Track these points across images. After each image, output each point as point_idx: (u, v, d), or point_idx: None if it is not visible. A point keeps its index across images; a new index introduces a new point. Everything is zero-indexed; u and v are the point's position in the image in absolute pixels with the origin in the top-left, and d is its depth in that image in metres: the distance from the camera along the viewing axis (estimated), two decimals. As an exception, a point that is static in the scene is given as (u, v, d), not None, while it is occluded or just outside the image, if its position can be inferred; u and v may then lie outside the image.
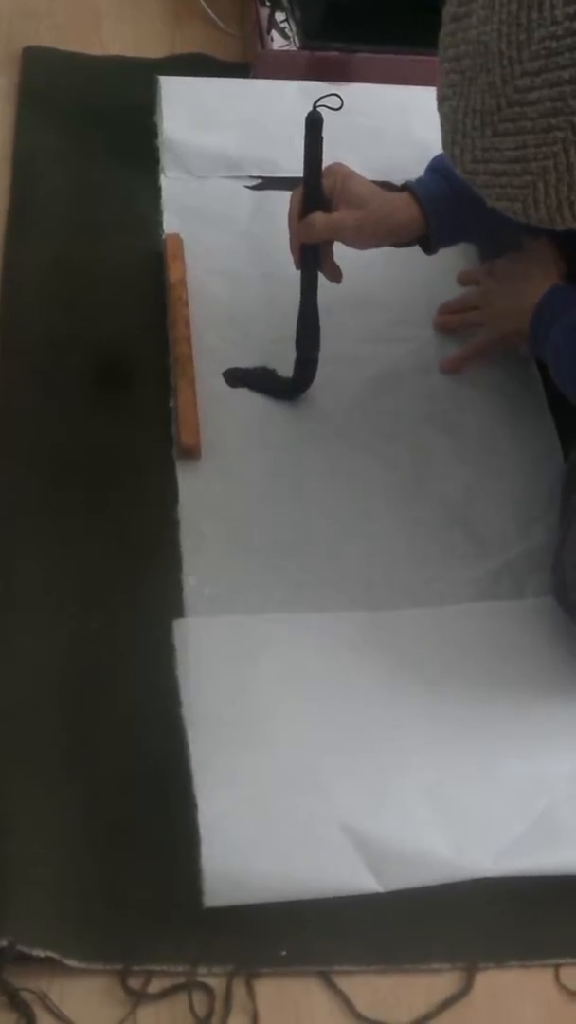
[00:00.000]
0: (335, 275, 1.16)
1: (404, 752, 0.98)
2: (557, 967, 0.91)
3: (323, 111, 1.08)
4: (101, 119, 1.42)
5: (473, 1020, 0.88)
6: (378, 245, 1.15)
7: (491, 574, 1.11)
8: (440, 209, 1.13)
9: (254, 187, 1.39)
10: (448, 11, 0.78)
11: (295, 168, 1.39)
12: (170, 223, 1.34)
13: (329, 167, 1.13)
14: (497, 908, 0.92)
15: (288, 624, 1.05)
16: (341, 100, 1.06)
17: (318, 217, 1.12)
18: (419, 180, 1.15)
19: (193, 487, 1.13)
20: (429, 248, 1.17)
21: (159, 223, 1.34)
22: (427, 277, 1.24)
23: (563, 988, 0.90)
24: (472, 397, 1.24)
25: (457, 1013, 0.88)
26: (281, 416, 1.19)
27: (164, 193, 1.37)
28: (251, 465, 1.16)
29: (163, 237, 1.32)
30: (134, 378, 1.20)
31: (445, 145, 0.80)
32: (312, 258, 1.15)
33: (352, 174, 1.14)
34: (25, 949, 0.85)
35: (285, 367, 1.21)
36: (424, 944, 0.91)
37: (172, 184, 1.38)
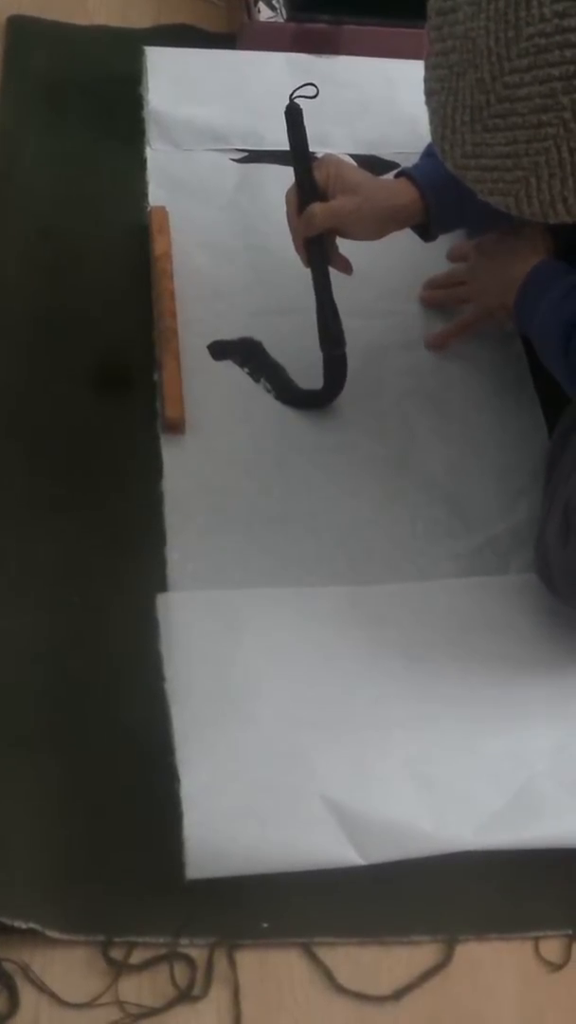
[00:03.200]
0: (345, 267, 1.16)
1: (386, 726, 0.98)
2: (537, 939, 0.92)
3: (300, 101, 1.07)
4: (86, 90, 1.41)
5: (453, 991, 0.89)
6: (379, 233, 1.14)
7: (475, 549, 1.11)
8: (440, 194, 1.12)
9: (240, 160, 1.39)
10: (433, 4, 0.77)
11: (281, 141, 1.38)
12: (155, 195, 1.33)
13: (320, 159, 1.13)
14: (477, 881, 0.93)
15: (271, 599, 1.05)
16: (317, 89, 1.06)
17: (317, 207, 1.11)
18: (416, 166, 1.14)
19: (177, 461, 1.13)
20: (428, 234, 1.17)
21: (144, 195, 1.33)
22: (412, 252, 1.24)
23: (542, 960, 0.91)
24: (457, 373, 1.24)
25: (437, 984, 0.89)
26: (266, 390, 1.19)
27: (149, 165, 1.36)
28: (236, 439, 1.15)
29: (148, 209, 1.31)
30: (118, 352, 1.20)
31: (435, 139, 0.79)
32: (319, 253, 1.14)
33: (344, 163, 1.14)
34: (7, 921, 0.85)
35: (270, 338, 1.21)
36: (405, 916, 0.91)
37: (157, 156, 1.37)
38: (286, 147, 1.37)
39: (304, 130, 1.10)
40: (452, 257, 1.29)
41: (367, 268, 1.18)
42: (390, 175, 1.18)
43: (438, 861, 0.92)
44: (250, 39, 1.48)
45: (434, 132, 0.79)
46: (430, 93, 0.78)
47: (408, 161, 1.30)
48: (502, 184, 0.76)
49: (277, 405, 1.18)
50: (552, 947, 0.92)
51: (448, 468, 1.17)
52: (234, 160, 1.38)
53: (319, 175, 1.12)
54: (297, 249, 1.15)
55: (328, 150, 1.38)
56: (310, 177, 1.12)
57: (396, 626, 1.05)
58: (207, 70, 1.45)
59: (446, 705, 1.00)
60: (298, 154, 1.12)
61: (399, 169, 1.15)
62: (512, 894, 0.93)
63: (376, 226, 1.14)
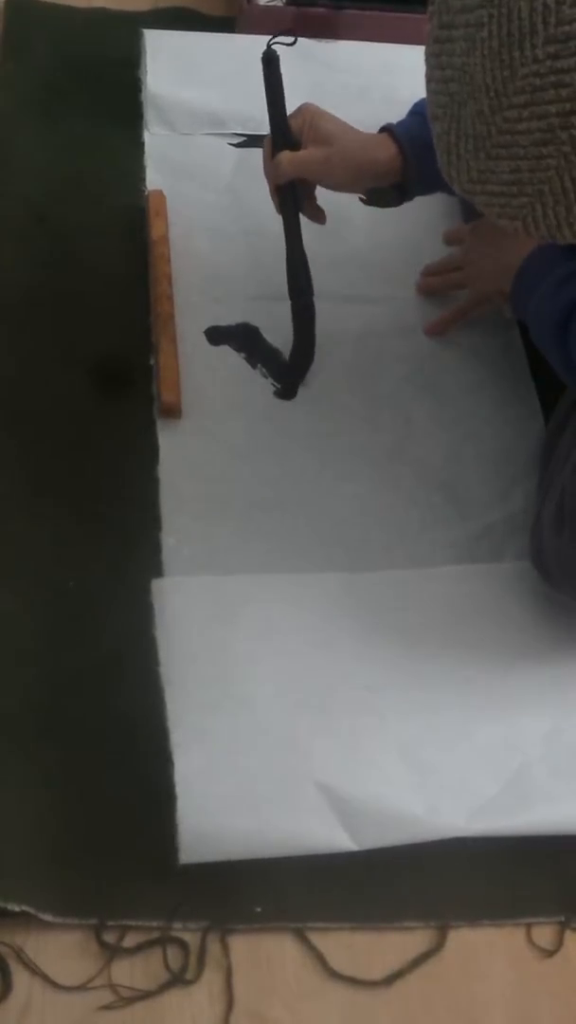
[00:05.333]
0: (317, 216, 1.15)
1: (380, 712, 0.98)
2: (529, 926, 0.92)
3: (278, 48, 1.07)
4: (84, 73, 1.41)
5: (445, 977, 0.89)
6: (353, 185, 1.13)
7: (470, 537, 1.11)
8: (419, 151, 1.09)
9: (238, 144, 1.38)
10: (431, 32, 0.76)
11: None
12: (153, 179, 1.33)
13: (298, 108, 1.12)
14: (470, 867, 0.93)
15: (266, 584, 1.05)
16: (295, 38, 1.05)
17: (284, 155, 1.11)
18: (400, 122, 1.13)
19: (173, 446, 1.12)
20: (406, 193, 1.14)
21: (142, 179, 1.33)
22: (409, 237, 1.24)
23: (534, 946, 0.91)
24: (454, 360, 1.24)
25: (429, 970, 0.89)
26: (263, 376, 1.19)
27: (147, 149, 1.36)
28: (232, 425, 1.15)
29: (146, 193, 1.31)
30: (115, 336, 1.19)
31: (441, 165, 0.80)
32: (291, 200, 1.13)
33: (321, 112, 1.13)
34: (1, 904, 0.86)
35: (268, 324, 1.21)
36: (398, 902, 0.91)
37: (155, 140, 1.37)
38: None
39: (280, 77, 1.10)
40: (448, 240, 1.28)
41: (364, 254, 1.18)
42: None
43: (431, 847, 0.92)
44: (249, 23, 1.47)
45: (440, 157, 0.79)
46: (433, 118, 0.78)
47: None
48: (510, 209, 0.76)
49: (274, 390, 1.18)
50: (544, 933, 0.92)
51: (444, 455, 1.17)
52: (232, 144, 1.38)
53: (294, 123, 1.12)
54: (272, 196, 1.15)
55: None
56: (284, 124, 1.11)
57: (391, 613, 1.05)
58: (206, 54, 1.44)
59: (440, 692, 1.00)
60: (273, 101, 1.11)
61: (383, 125, 1.14)
62: (505, 880, 0.94)
63: (347, 177, 1.12)
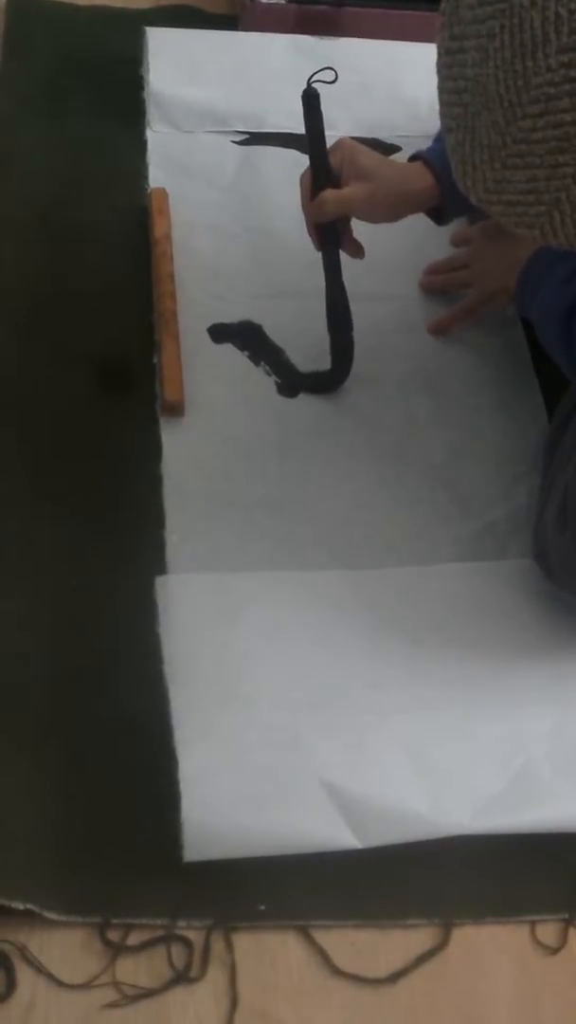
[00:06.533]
0: (357, 251, 1.15)
1: (384, 710, 0.98)
2: (533, 923, 0.92)
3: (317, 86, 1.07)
4: (86, 71, 1.41)
5: (449, 974, 0.89)
6: (393, 217, 1.14)
7: (474, 534, 1.11)
8: (455, 177, 1.11)
9: (241, 142, 1.38)
10: (442, 43, 0.77)
11: (282, 123, 1.38)
12: (155, 177, 1.33)
13: (336, 143, 1.12)
14: (474, 865, 0.93)
15: (270, 582, 1.05)
16: (336, 73, 1.05)
17: (328, 194, 1.11)
18: (431, 149, 1.14)
19: (177, 444, 1.12)
20: (442, 218, 1.16)
21: (144, 177, 1.33)
22: (414, 236, 1.24)
23: (539, 944, 0.91)
24: (457, 357, 1.24)
25: (433, 968, 0.89)
26: (266, 374, 1.19)
27: (150, 147, 1.36)
28: (235, 422, 1.15)
29: (148, 191, 1.31)
30: (118, 334, 1.19)
31: (456, 176, 0.80)
32: (331, 238, 1.13)
33: (359, 147, 1.13)
34: (4, 902, 0.86)
35: (271, 322, 1.21)
36: (402, 900, 0.91)
37: (158, 138, 1.37)
38: (287, 129, 1.37)
39: (321, 114, 1.10)
40: (455, 242, 1.28)
41: (367, 252, 1.18)
42: (401, 156, 1.17)
43: (435, 845, 0.92)
44: (252, 20, 1.47)
45: (456, 168, 0.79)
46: (447, 130, 0.78)
47: (410, 143, 1.30)
48: (527, 218, 0.76)
49: (277, 388, 1.18)
50: (548, 931, 0.92)
51: (448, 453, 1.17)
52: (235, 142, 1.38)
53: (334, 160, 1.11)
54: (309, 232, 1.14)
55: (329, 132, 1.37)
56: (325, 162, 1.11)
57: (394, 610, 1.05)
58: (208, 51, 1.44)
59: (444, 689, 1.00)
60: (314, 138, 1.11)
61: (414, 153, 1.15)
62: (509, 878, 0.93)
63: (390, 211, 1.13)
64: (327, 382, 1.18)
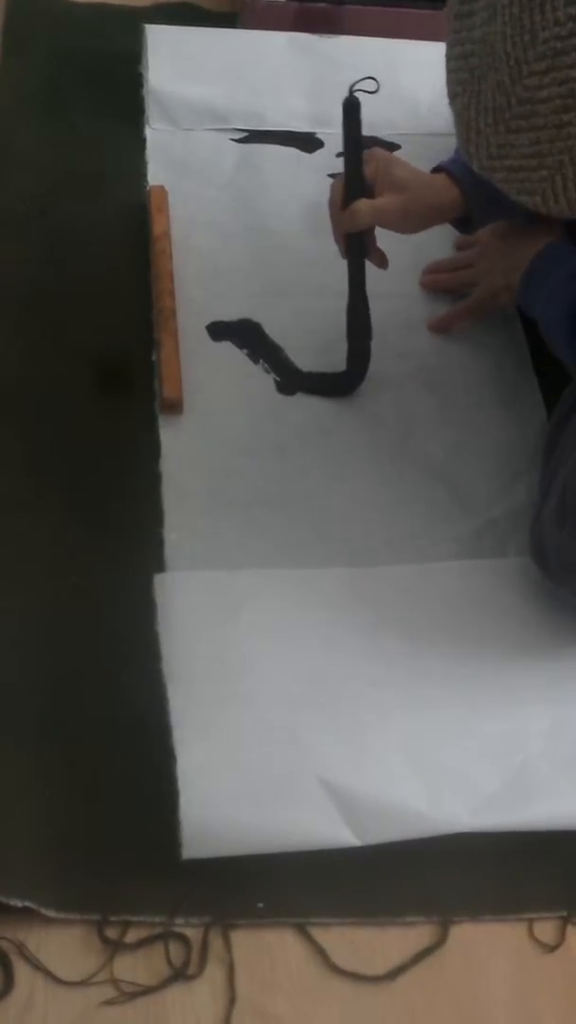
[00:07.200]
0: (382, 261, 1.16)
1: (383, 707, 0.98)
2: (531, 921, 0.92)
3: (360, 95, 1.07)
4: (86, 68, 1.41)
5: (447, 972, 0.89)
6: (421, 228, 1.16)
7: (473, 532, 1.11)
8: (479, 186, 1.10)
9: (240, 140, 1.38)
10: (451, 10, 0.78)
11: (281, 121, 1.39)
12: (155, 175, 1.33)
13: (369, 153, 1.13)
14: (473, 862, 0.93)
15: (269, 580, 1.05)
16: (377, 84, 1.05)
17: (362, 204, 1.11)
18: (452, 160, 1.14)
19: (175, 442, 1.12)
20: (468, 227, 1.17)
21: (143, 175, 1.33)
22: (413, 235, 1.24)
23: (537, 941, 0.91)
24: (457, 355, 1.24)
25: (431, 965, 0.89)
26: (264, 371, 1.19)
27: (149, 144, 1.36)
28: (234, 420, 1.15)
29: (147, 189, 1.31)
30: (116, 332, 1.19)
31: (460, 143, 0.80)
32: (358, 246, 1.14)
33: (393, 158, 1.14)
34: (3, 899, 0.86)
35: (269, 321, 1.21)
36: (400, 897, 0.91)
37: (157, 135, 1.37)
38: (286, 127, 1.37)
39: (360, 124, 1.10)
40: (460, 245, 1.29)
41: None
42: (400, 154, 1.17)
43: (434, 842, 0.92)
44: (252, 18, 1.47)
45: (459, 135, 0.80)
46: (452, 96, 0.79)
47: (409, 142, 1.30)
48: (528, 184, 0.77)
49: (276, 386, 1.18)
50: (546, 929, 0.92)
51: (447, 451, 1.16)
52: (234, 140, 1.38)
53: (368, 170, 1.12)
54: (337, 240, 1.15)
55: (328, 130, 1.38)
56: (360, 172, 1.12)
57: (394, 608, 1.05)
58: (208, 49, 1.45)
59: (443, 687, 1.00)
60: (350, 148, 1.11)
61: (438, 164, 1.16)
62: (507, 876, 0.93)
63: (420, 223, 1.15)
64: (338, 385, 1.18)
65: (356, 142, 1.11)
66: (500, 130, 0.75)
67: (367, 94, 1.07)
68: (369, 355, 1.17)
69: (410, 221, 1.14)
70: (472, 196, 1.13)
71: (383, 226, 1.14)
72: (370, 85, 1.05)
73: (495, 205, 1.12)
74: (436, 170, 1.16)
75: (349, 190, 1.12)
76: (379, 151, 1.14)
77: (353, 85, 1.07)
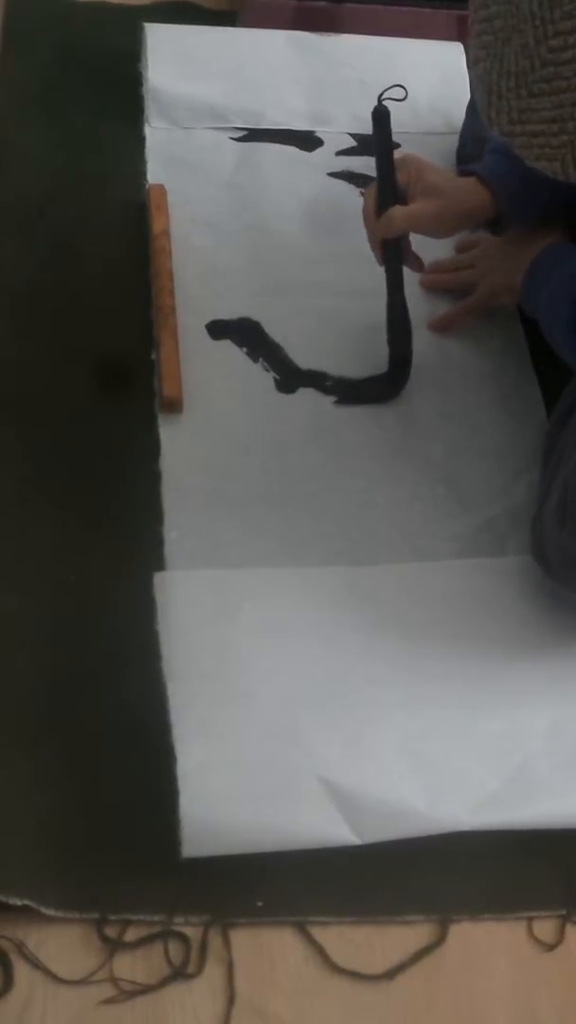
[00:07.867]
0: (419, 266, 1.17)
1: (382, 706, 0.98)
2: (530, 919, 0.92)
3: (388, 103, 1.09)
4: (85, 66, 1.41)
5: (446, 971, 0.89)
6: (454, 233, 1.17)
7: (473, 531, 1.11)
8: (510, 190, 1.13)
9: (239, 138, 1.38)
10: None
11: (280, 120, 1.38)
12: (154, 173, 1.33)
13: (402, 158, 1.13)
14: (472, 861, 0.93)
15: (269, 578, 1.05)
16: (406, 91, 1.05)
17: (397, 211, 1.12)
18: (483, 164, 1.15)
19: (175, 440, 1.12)
20: (499, 229, 1.18)
21: (143, 173, 1.33)
22: (413, 235, 1.24)
23: (535, 940, 0.91)
24: (457, 354, 1.24)
25: (430, 964, 0.89)
26: (264, 370, 1.19)
27: (148, 143, 1.36)
28: (234, 419, 1.15)
29: (147, 187, 1.31)
30: (116, 330, 1.19)
31: (481, 107, 0.80)
32: (395, 253, 1.15)
33: (426, 163, 1.15)
34: (2, 898, 0.86)
35: (269, 319, 1.20)
36: (399, 896, 0.91)
37: (156, 134, 1.37)
38: (286, 126, 1.37)
39: (390, 132, 1.10)
40: (461, 247, 1.29)
41: (367, 249, 1.18)
42: (400, 153, 1.17)
43: (433, 841, 0.92)
44: (251, 17, 1.47)
45: (480, 100, 0.80)
46: (476, 61, 0.79)
47: (409, 140, 1.30)
48: (548, 149, 0.77)
49: (276, 384, 1.18)
50: (545, 927, 0.92)
51: (447, 449, 1.16)
52: (233, 139, 1.38)
53: (401, 177, 1.13)
54: (373, 248, 1.16)
55: (328, 129, 1.38)
56: (392, 179, 1.12)
57: (393, 606, 1.05)
58: (207, 48, 1.44)
59: (442, 685, 1.00)
60: (382, 156, 1.12)
61: (465, 167, 1.17)
62: (506, 875, 0.93)
63: (454, 228, 1.17)
64: (383, 392, 1.18)
65: (387, 150, 1.12)
66: (522, 94, 0.76)
67: (395, 102, 1.08)
68: (411, 360, 1.17)
69: (444, 226, 1.15)
70: (503, 198, 1.14)
71: (417, 231, 1.15)
72: (398, 93, 1.06)
73: (524, 204, 1.13)
74: (464, 173, 1.16)
75: (382, 197, 1.12)
76: (411, 156, 1.15)
77: (382, 94, 1.07)
